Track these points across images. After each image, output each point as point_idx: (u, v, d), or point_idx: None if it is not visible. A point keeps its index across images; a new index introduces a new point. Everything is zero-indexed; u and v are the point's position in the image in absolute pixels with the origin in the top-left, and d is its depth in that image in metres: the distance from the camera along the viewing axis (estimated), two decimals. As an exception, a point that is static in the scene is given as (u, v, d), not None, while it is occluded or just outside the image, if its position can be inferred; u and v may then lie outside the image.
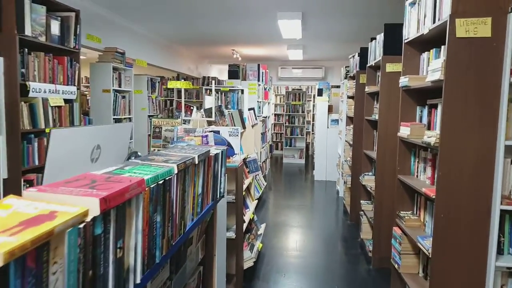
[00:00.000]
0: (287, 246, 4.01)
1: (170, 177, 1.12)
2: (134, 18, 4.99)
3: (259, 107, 6.77)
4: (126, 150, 1.44)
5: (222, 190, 1.88)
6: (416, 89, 2.56)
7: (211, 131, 2.95)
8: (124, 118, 4.56)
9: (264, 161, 7.48)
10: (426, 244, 2.08)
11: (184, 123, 3.12)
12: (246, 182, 3.83)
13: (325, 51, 7.75)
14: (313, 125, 10.85)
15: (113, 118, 4.24)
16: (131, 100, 4.75)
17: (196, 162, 1.38)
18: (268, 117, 8.38)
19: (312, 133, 10.77)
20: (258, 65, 6.44)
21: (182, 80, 2.82)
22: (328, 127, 7.56)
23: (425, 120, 2.54)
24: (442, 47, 2.16)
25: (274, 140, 11.42)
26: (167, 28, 5.64)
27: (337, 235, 4.41)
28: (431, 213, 2.37)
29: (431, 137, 2.02)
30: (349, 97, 5.31)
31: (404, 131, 2.59)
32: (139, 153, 1.48)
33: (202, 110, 3.08)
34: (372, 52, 3.90)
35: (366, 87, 4.01)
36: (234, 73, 6.48)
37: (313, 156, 8.46)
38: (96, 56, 4.34)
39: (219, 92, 5.00)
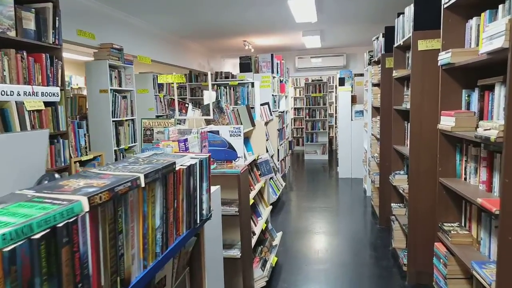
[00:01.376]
0: (308, 258, 3.52)
1: (71, 219, 0.67)
2: (132, 10, 4.61)
3: (274, 102, 6.27)
4: (41, 166, 1.01)
5: (206, 212, 1.43)
6: (461, 67, 1.99)
7: (209, 131, 2.51)
8: (126, 120, 4.20)
9: (283, 159, 6.99)
10: (487, 275, 1.53)
11: (180, 123, 2.69)
12: (257, 187, 3.38)
13: (345, 36, 7.11)
14: (336, 118, 10.21)
15: (113, 121, 3.89)
16: (133, 100, 4.39)
17: (143, 185, 0.93)
18: (286, 112, 7.86)
19: (335, 127, 10.13)
20: (272, 55, 5.93)
21: (174, 74, 2.38)
22: (352, 120, 6.95)
23: (474, 107, 1.97)
24: (501, 6, 1.59)
25: (294, 135, 10.87)
26: (170, 21, 5.24)
27: (366, 242, 3.86)
28: (487, 227, 1.81)
29: (491, 129, 1.47)
30: (374, 85, 4.71)
31: (447, 122, 2.03)
32: (56, 175, 1.05)
33: (202, 108, 2.64)
34: (400, 29, 3.30)
35: (394, 71, 3.43)
36: (246, 66, 6.01)
37: (337, 152, 7.88)
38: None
39: (227, 87, 4.55)
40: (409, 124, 3.17)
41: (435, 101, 2.71)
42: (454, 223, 2.15)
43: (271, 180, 5.36)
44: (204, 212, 1.40)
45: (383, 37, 4.16)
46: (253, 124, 3.59)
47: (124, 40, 4.56)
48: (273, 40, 7.28)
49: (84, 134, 3.26)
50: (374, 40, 4.75)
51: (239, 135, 2.51)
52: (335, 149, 10.34)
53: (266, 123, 5.69)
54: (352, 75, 7.43)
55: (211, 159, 2.51)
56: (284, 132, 7.19)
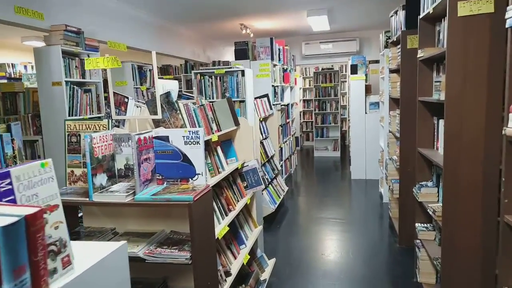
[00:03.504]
0: (307, 293, 2.76)
1: None
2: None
3: (275, 93, 5.47)
4: None
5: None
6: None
7: (155, 137, 1.76)
8: (89, 119, 3.50)
9: (287, 158, 6.21)
10: None
11: (118, 125, 1.95)
12: (241, 204, 2.63)
13: (357, 16, 6.20)
14: (349, 110, 9.32)
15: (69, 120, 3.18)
16: (101, 95, 3.68)
17: None
18: (292, 105, 7.04)
19: (348, 120, 9.24)
20: (271, 39, 5.11)
21: (107, 56, 1.61)
22: (366, 113, 6.08)
23: None
24: None
25: (304, 130, 10.04)
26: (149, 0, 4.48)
27: (383, 270, 3.06)
28: None
29: None
30: (392, 71, 3.86)
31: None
32: None
33: (147, 103, 1.88)
34: (428, -6, 2.45)
35: (419, 51, 2.59)
36: (241, 52, 5.22)
37: (350, 148, 7.04)
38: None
39: (213, 77, 3.78)
40: (442, 121, 2.34)
41: (483, 90, 1.88)
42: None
43: (269, 185, 4.60)
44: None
45: (403, 9, 3.29)
46: (236, 123, 2.83)
47: (87, 21, 3.83)
48: (275, 23, 6.43)
49: (12, 140, 2.57)
50: (391, 16, 3.87)
51: (198, 142, 1.75)
52: (348, 144, 9.47)
53: (265, 119, 4.91)
54: (366, 62, 6.53)
55: (159, 176, 1.77)
56: (289, 127, 6.39)
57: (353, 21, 6.63)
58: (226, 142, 2.88)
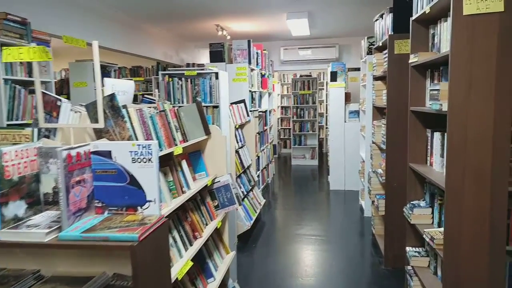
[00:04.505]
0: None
1: None
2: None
3: (253, 99, 5.14)
4: None
5: None
6: None
7: (93, 152, 1.37)
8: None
9: (265, 167, 5.87)
10: None
11: (49, 136, 1.54)
12: (210, 229, 2.26)
13: (337, 21, 6.00)
14: (326, 117, 9.14)
15: (7, 124, 2.69)
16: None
17: None
18: (270, 112, 6.74)
19: (326, 127, 9.06)
20: (249, 42, 4.79)
21: (33, 45, 1.16)
22: (345, 121, 5.86)
23: None
24: None
25: (281, 137, 9.77)
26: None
27: (368, 296, 2.77)
28: None
29: None
30: (376, 79, 3.62)
31: None
32: None
33: (87, 107, 1.48)
34: (422, -7, 2.20)
35: (412, 56, 2.34)
36: (217, 54, 4.86)
37: (328, 156, 6.80)
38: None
39: (183, 79, 3.40)
40: (437, 134, 2.08)
41: (490, 98, 1.63)
42: None
43: (245, 199, 4.24)
44: None
45: (390, 12, 3.06)
46: (206, 131, 2.48)
47: (36, 11, 3.36)
48: (253, 26, 6.13)
49: None
50: (376, 20, 3.65)
51: (149, 160, 1.37)
52: (325, 152, 9.27)
53: (242, 126, 4.56)
54: (345, 69, 6.34)
55: (98, 204, 1.38)
56: (267, 135, 6.07)
57: (333, 27, 6.44)
58: (195, 154, 2.51)
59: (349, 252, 3.52)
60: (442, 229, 2.04)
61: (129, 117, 1.45)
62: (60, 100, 1.51)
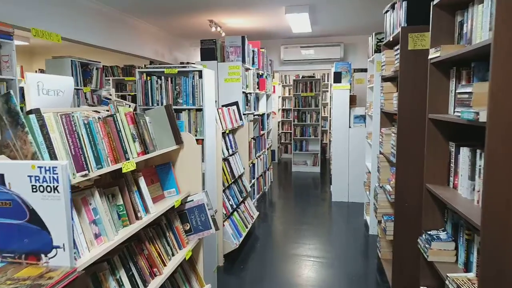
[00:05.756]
0: None
1: None
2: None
3: (247, 101, 4.70)
4: None
5: None
6: None
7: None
8: None
9: (261, 175, 5.42)
10: None
11: None
12: (178, 258, 1.83)
13: (342, 17, 5.54)
14: (330, 121, 8.66)
15: None
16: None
17: None
18: (269, 115, 6.29)
19: (329, 132, 8.58)
20: (243, 38, 4.35)
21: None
22: (350, 127, 5.39)
23: None
24: None
25: (282, 141, 9.31)
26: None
27: None
28: None
29: None
30: (385, 79, 3.15)
31: None
32: None
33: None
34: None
35: (432, 51, 1.88)
36: (208, 52, 4.43)
37: (331, 164, 6.34)
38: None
39: (162, 78, 2.96)
40: (465, 150, 1.61)
41: None
42: None
43: (235, 213, 3.79)
44: None
45: (404, 0, 2.59)
46: (178, 141, 2.04)
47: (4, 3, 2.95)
48: (250, 22, 5.69)
49: None
50: (386, 12, 3.18)
51: (55, 189, 0.93)
52: (328, 158, 8.79)
53: (233, 131, 4.12)
54: (350, 70, 5.87)
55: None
56: (264, 140, 5.62)
57: (338, 24, 5.98)
58: (164, 167, 2.07)
59: (352, 279, 3.05)
60: (471, 275, 1.58)
61: (32, 126, 1.01)
62: None
